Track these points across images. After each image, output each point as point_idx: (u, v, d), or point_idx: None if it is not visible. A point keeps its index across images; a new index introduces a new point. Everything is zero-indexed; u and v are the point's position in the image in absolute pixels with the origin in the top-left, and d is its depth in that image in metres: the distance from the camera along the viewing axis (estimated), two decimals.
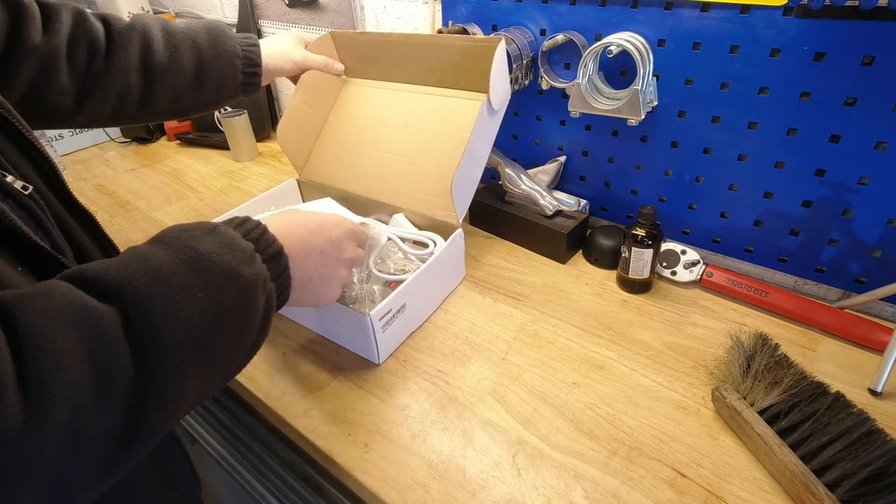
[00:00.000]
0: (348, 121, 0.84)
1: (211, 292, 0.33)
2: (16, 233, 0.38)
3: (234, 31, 0.69)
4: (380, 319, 0.57)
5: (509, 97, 0.72)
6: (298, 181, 0.87)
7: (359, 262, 0.53)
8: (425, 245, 0.70)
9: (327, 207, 0.78)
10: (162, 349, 0.30)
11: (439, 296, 0.70)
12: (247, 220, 0.40)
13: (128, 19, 0.63)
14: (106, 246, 0.53)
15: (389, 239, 0.70)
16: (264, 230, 0.39)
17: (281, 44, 0.74)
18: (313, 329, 0.66)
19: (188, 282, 0.32)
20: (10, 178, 0.40)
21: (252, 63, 0.68)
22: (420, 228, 0.74)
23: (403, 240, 0.71)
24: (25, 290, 0.28)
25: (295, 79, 0.81)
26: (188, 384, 0.32)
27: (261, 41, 0.70)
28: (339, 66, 0.81)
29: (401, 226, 0.74)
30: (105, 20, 0.61)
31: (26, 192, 0.41)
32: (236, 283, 0.34)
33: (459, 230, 0.69)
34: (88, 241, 0.50)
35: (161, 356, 0.30)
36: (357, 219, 0.66)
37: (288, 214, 0.45)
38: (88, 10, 0.61)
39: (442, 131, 0.75)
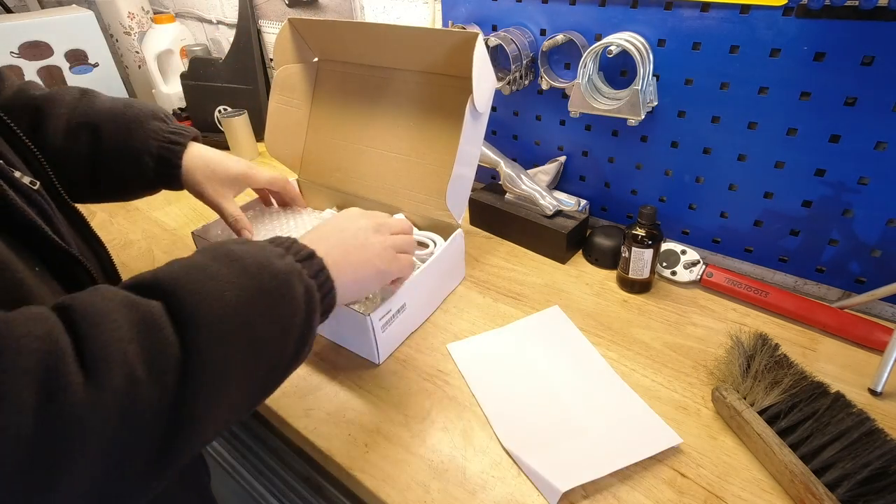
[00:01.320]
0: (333, 114, 0.83)
1: (244, 279, 0.35)
2: (32, 226, 0.39)
3: (166, 119, 0.61)
4: (380, 319, 0.57)
5: (494, 89, 0.69)
6: (298, 181, 0.87)
7: (394, 232, 0.53)
8: (425, 245, 0.70)
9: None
10: (204, 328, 0.31)
11: (439, 296, 0.70)
12: (277, 237, 0.41)
13: (43, 90, 0.57)
14: (95, 245, 0.52)
15: None
16: (293, 240, 0.41)
17: (221, 155, 0.64)
18: None
19: (221, 272, 0.34)
20: (17, 174, 0.40)
21: (168, 164, 0.60)
22: (420, 228, 0.74)
23: None
24: (77, 293, 0.31)
25: (263, 196, 0.74)
26: (233, 365, 0.32)
27: (200, 147, 0.62)
28: (293, 189, 0.73)
29: None
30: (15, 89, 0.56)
31: (35, 188, 0.42)
32: (269, 271, 0.36)
33: (459, 230, 0.69)
34: (79, 241, 0.50)
35: (204, 335, 0.31)
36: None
37: (317, 227, 0.48)
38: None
39: (431, 122, 0.74)
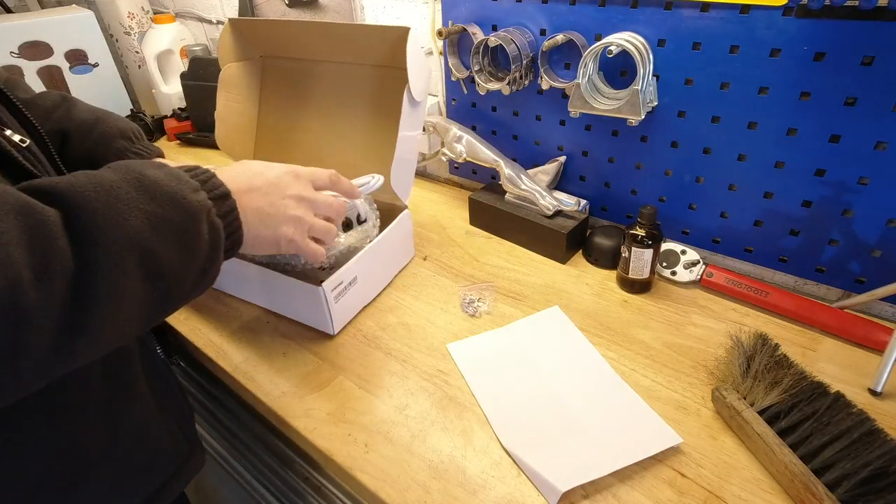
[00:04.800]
0: (283, 108, 0.85)
1: (153, 207, 0.35)
2: (27, 173, 0.40)
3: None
4: (332, 290, 0.61)
5: (430, 79, 0.72)
6: None
7: (316, 204, 0.51)
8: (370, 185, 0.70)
9: None
10: (102, 246, 0.32)
11: (389, 272, 0.75)
12: (196, 166, 0.41)
13: (26, 94, 0.63)
14: None
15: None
16: (212, 175, 0.41)
17: None
18: (266, 305, 0.70)
19: (130, 195, 0.34)
20: (8, 132, 0.42)
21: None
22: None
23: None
24: None
25: None
26: (129, 284, 0.33)
27: None
28: None
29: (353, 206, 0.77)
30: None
31: (24, 145, 0.43)
32: (180, 205, 0.36)
33: (406, 211, 0.73)
34: None
35: (99, 253, 0.32)
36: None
37: (235, 165, 0.48)
38: None
39: (379, 111, 0.76)
